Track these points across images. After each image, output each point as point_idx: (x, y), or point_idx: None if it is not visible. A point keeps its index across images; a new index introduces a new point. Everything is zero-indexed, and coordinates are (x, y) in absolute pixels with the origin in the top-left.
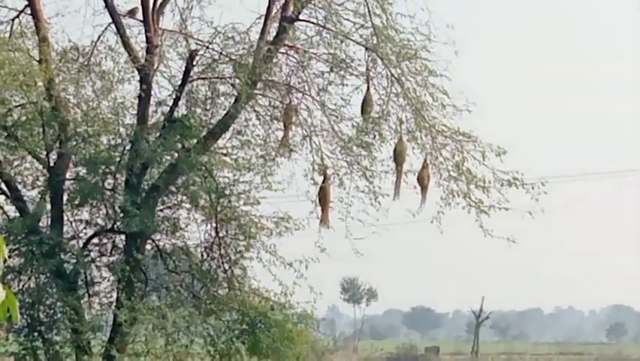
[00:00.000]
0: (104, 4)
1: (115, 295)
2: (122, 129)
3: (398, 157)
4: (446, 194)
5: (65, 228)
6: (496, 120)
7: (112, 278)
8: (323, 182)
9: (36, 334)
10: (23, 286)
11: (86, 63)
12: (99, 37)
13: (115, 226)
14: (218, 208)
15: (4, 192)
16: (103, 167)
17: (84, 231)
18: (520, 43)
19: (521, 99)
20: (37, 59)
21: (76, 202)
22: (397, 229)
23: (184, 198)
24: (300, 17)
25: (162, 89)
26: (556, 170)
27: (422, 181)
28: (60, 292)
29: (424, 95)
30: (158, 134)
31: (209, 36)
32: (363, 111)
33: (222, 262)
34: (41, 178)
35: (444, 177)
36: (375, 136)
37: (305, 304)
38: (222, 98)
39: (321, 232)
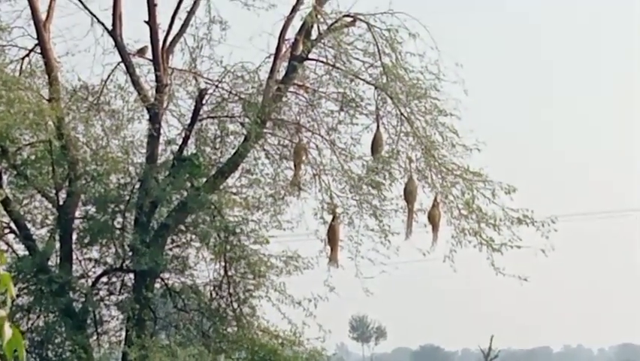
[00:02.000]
0: (113, 43)
1: (124, 333)
2: (131, 168)
3: (409, 196)
4: (457, 232)
5: (74, 266)
6: (505, 158)
7: (121, 317)
8: (332, 221)
9: None
10: (32, 324)
11: (95, 102)
12: (109, 76)
13: (124, 265)
14: (228, 247)
15: (13, 231)
16: (112, 206)
17: (93, 269)
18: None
19: (524, 138)
20: (47, 97)
21: (86, 241)
22: (406, 267)
23: (193, 236)
24: (310, 56)
25: (172, 128)
26: (563, 208)
27: (433, 220)
28: (69, 331)
29: (433, 134)
30: (167, 173)
31: (219, 75)
32: (373, 150)
33: (231, 301)
34: (50, 217)
35: (454, 215)
36: (385, 175)
37: (314, 340)
38: (232, 137)
39: (331, 270)
